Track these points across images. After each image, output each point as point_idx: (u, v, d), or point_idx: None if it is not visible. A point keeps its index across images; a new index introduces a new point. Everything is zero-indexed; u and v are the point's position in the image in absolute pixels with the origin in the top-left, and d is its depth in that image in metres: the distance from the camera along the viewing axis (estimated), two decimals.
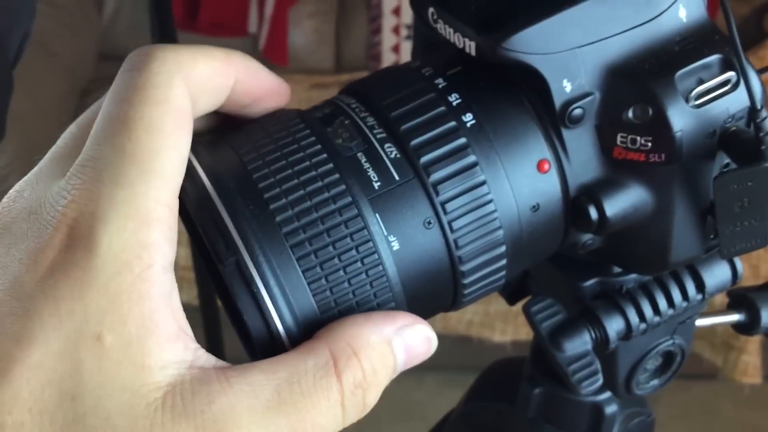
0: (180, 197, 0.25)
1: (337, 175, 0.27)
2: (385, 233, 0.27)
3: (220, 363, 0.25)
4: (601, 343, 0.34)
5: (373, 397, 0.26)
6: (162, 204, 0.24)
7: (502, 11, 0.29)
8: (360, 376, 0.25)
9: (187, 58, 0.25)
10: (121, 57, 0.27)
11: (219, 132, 0.29)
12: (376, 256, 0.27)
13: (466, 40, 0.29)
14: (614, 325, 0.34)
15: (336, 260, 0.26)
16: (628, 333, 0.35)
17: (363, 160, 0.28)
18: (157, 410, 0.23)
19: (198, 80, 0.25)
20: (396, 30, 1.98)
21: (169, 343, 0.23)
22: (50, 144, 0.27)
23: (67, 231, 0.23)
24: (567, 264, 0.35)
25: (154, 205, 0.23)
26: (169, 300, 0.24)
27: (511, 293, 0.41)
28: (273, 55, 1.96)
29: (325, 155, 0.27)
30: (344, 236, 0.26)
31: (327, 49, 2.02)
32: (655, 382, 0.39)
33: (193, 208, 0.27)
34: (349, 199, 0.27)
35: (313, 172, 0.27)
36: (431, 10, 0.30)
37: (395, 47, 1.98)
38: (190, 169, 0.26)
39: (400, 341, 0.26)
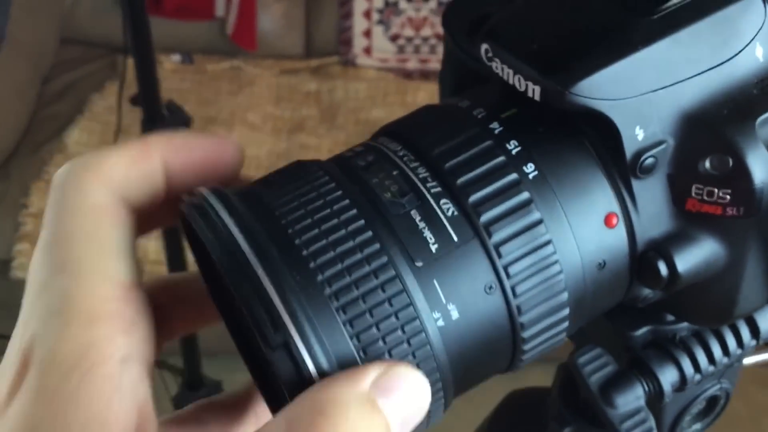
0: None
1: (377, 245, 0.24)
2: (443, 301, 0.24)
3: None
4: (655, 397, 0.32)
5: None
6: (105, 299, 0.23)
7: (568, 51, 0.26)
8: None
9: (94, 159, 0.25)
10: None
11: (249, 188, 0.26)
12: (423, 335, 0.24)
13: (529, 83, 0.26)
14: (668, 377, 0.32)
15: (380, 343, 0.23)
16: (682, 384, 0.32)
17: (417, 218, 0.25)
18: None
19: (117, 174, 0.25)
20: (367, 14, 1.94)
21: None
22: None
23: (21, 358, 0.23)
24: (617, 312, 0.33)
25: (93, 302, 0.22)
26: (131, 394, 0.22)
27: None
28: (241, 39, 1.90)
29: (363, 221, 0.24)
30: (389, 315, 0.23)
31: (296, 34, 1.97)
32: (697, 426, 0.37)
33: (227, 272, 0.23)
34: (393, 273, 0.24)
35: (351, 242, 0.24)
36: (485, 46, 0.27)
37: (366, 32, 1.94)
38: (218, 224, 0.23)
39: (384, 393, 0.22)
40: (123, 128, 1.31)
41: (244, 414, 0.30)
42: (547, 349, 0.28)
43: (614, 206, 0.26)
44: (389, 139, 0.27)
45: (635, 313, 0.33)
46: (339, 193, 0.25)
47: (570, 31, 0.26)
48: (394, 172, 0.26)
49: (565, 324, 0.27)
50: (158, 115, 1.02)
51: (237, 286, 0.23)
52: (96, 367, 0.22)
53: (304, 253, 0.23)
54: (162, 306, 0.27)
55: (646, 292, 0.29)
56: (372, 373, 0.23)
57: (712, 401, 0.37)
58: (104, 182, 0.24)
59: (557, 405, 0.40)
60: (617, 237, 0.27)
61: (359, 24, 1.95)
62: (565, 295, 0.26)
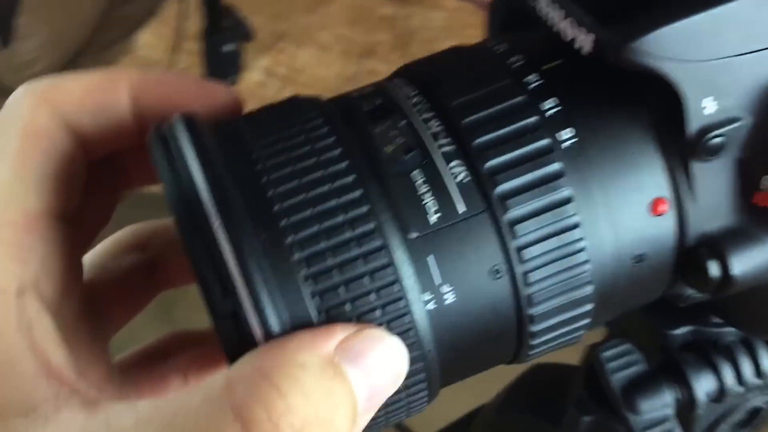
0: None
1: (365, 208, 0.20)
2: (437, 282, 0.21)
3: (97, 398, 0.20)
4: (685, 406, 0.28)
5: None
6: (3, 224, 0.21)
7: None
8: (282, 410, 0.18)
9: (49, 82, 0.23)
10: None
11: (230, 122, 0.22)
12: (407, 318, 0.20)
13: (580, 31, 0.21)
14: (704, 385, 0.28)
15: (353, 322, 0.20)
16: (720, 396, 0.28)
17: (419, 180, 0.21)
18: None
19: (68, 99, 0.23)
20: None
21: (29, 385, 0.19)
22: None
23: None
24: (654, 305, 0.29)
25: None
26: (28, 332, 0.20)
27: None
28: None
29: (352, 177, 0.20)
30: (368, 292, 0.20)
31: None
32: None
33: (178, 221, 0.20)
34: (379, 242, 0.20)
35: (334, 201, 0.20)
36: None
37: None
38: (177, 160, 0.20)
39: (351, 357, 0.19)
40: (189, 36, 1.29)
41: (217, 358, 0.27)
42: (560, 346, 0.24)
43: (665, 190, 0.22)
44: (405, 82, 0.23)
45: (675, 309, 0.28)
46: (331, 140, 0.21)
47: None
48: (402, 122, 0.22)
49: (586, 321, 0.23)
50: (218, 23, 0.99)
51: (187, 238, 0.19)
52: None
53: (276, 208, 0.20)
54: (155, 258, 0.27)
55: (691, 291, 0.25)
56: (338, 334, 0.19)
57: (755, 412, 0.32)
58: (50, 106, 0.23)
59: (580, 390, 0.36)
60: (663, 227, 0.22)
61: None
62: (589, 289, 0.22)
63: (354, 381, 0.19)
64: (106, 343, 0.25)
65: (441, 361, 0.22)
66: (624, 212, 0.22)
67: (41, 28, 1.39)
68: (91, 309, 0.24)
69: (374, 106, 0.22)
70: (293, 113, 0.22)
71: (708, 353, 0.28)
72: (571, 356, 0.39)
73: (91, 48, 1.67)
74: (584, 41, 0.21)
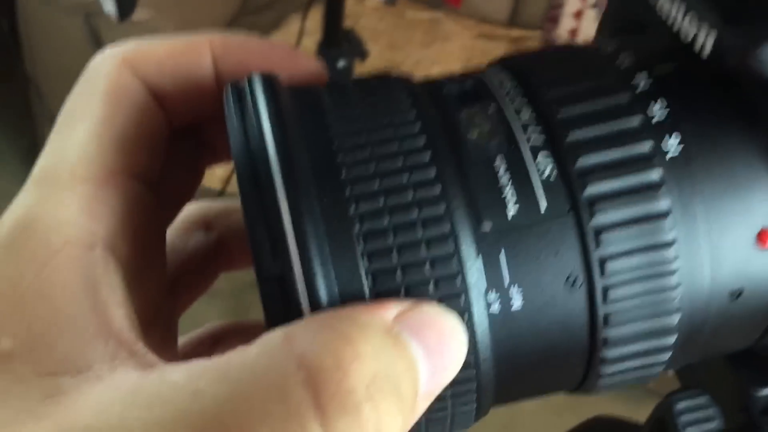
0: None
1: (437, 190, 0.19)
2: (506, 282, 0.19)
3: (155, 362, 0.18)
4: None
5: (393, 423, 0.16)
6: (73, 175, 0.20)
7: None
8: (351, 357, 0.16)
9: (131, 45, 0.23)
10: None
11: (312, 87, 0.22)
12: (465, 317, 0.19)
13: (701, 30, 0.19)
14: None
15: None
16: None
17: (502, 169, 0.19)
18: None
19: (152, 60, 0.23)
20: None
21: (87, 343, 0.18)
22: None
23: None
24: (742, 357, 0.26)
25: (61, 176, 0.20)
26: (94, 288, 0.19)
27: None
28: None
29: (428, 155, 0.19)
30: (426, 281, 0.18)
31: (505, 0, 1.90)
32: None
33: (238, 173, 0.19)
34: (447, 228, 0.18)
35: (405, 177, 0.19)
36: None
37: (577, 13, 1.84)
38: (250, 113, 0.20)
39: (411, 329, 0.17)
40: (308, 51, 1.32)
41: None
42: (634, 381, 0.22)
43: None
44: (501, 69, 0.22)
45: (765, 364, 0.25)
46: (412, 114, 0.20)
47: None
48: (491, 108, 0.20)
49: (666, 355, 0.21)
50: (335, 41, 1.00)
51: (244, 193, 0.18)
52: (57, 254, 0.19)
53: (344, 175, 0.19)
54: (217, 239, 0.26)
55: None
56: (394, 307, 0.18)
57: None
58: (132, 68, 0.22)
59: None
60: None
61: (572, 3, 1.85)
62: (675, 319, 0.20)
63: (414, 352, 0.17)
64: (175, 323, 0.24)
65: (497, 373, 0.20)
66: (727, 238, 0.20)
67: (167, 27, 1.45)
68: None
69: (464, 89, 0.21)
70: (378, 86, 0.21)
71: None
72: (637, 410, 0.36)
73: None
74: (704, 43, 0.19)
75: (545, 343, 0.20)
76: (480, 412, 0.21)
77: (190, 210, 0.27)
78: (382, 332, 0.17)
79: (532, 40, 1.87)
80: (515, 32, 1.87)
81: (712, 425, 0.26)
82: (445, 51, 1.82)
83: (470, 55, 1.83)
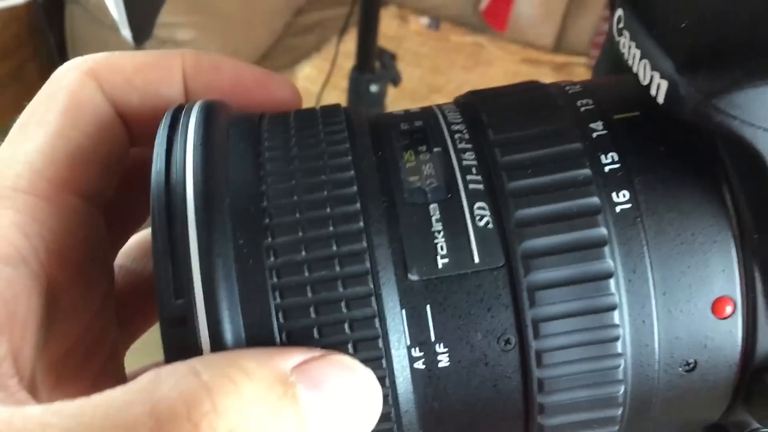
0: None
1: (362, 244, 0.17)
2: (432, 338, 0.17)
3: (25, 400, 0.17)
4: None
5: None
6: (15, 187, 0.19)
7: (728, 43, 0.17)
8: (206, 409, 0.15)
9: (99, 57, 0.22)
10: None
11: (263, 115, 0.20)
12: (383, 376, 0.17)
13: (655, 74, 0.18)
14: None
15: None
16: None
17: (435, 216, 0.18)
18: None
19: (118, 74, 0.22)
20: None
21: None
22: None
23: None
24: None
25: (3, 185, 0.19)
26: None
27: None
28: (493, 18, 1.85)
29: (356, 206, 0.17)
30: (344, 341, 0.17)
31: (550, 25, 1.88)
32: None
33: (153, 205, 0.18)
34: (368, 288, 0.17)
35: (329, 229, 0.18)
36: (619, 13, 0.19)
37: None
38: (178, 141, 0.19)
39: (309, 381, 0.16)
40: (345, 74, 1.32)
41: None
42: None
43: (734, 288, 0.18)
44: (454, 108, 0.20)
45: None
46: (348, 159, 0.18)
47: (741, 15, 0.17)
48: (435, 149, 0.19)
49: (613, 429, 0.19)
50: (368, 64, 0.99)
51: (155, 226, 0.17)
52: None
53: (267, 221, 0.17)
54: None
55: (756, 424, 0.20)
56: (297, 355, 0.16)
57: None
58: (96, 80, 0.22)
59: None
60: (726, 334, 0.18)
61: None
62: (620, 389, 0.18)
63: (308, 408, 0.16)
64: (122, 349, 0.23)
65: (426, 430, 0.18)
66: (678, 304, 0.18)
67: (210, 48, 1.47)
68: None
69: (411, 127, 0.20)
70: (322, 124, 0.20)
71: None
72: None
73: None
74: (659, 88, 0.18)
75: (477, 407, 0.18)
76: None
77: (147, 234, 0.26)
78: (268, 382, 0.16)
79: (578, 66, 1.84)
80: (560, 58, 1.84)
81: None
82: (488, 76, 1.80)
83: (513, 80, 1.78)
